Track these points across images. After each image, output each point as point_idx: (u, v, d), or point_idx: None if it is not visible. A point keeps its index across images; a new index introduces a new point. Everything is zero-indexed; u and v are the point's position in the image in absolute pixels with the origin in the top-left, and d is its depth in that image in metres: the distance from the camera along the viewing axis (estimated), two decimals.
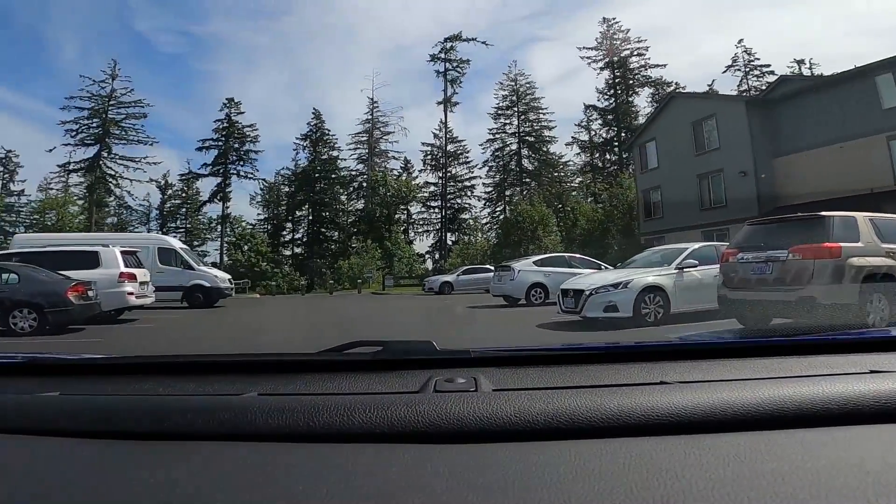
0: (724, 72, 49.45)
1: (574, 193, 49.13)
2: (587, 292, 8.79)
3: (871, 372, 0.92)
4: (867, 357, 1.06)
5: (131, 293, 11.32)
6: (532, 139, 50.91)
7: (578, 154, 52.10)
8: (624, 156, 49.31)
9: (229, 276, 19.51)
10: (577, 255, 16.37)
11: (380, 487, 0.61)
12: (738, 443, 0.69)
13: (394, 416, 0.76)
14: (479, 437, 0.73)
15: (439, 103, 50.04)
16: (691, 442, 0.69)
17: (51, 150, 44.15)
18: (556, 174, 50.89)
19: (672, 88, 47.13)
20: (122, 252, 11.96)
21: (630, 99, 50.50)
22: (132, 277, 11.47)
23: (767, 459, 0.64)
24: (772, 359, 1.09)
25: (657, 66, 49.66)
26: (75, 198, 44.77)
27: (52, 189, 45.52)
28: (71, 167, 45.07)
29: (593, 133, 51.61)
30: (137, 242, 16.84)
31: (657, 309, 8.58)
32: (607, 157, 51.81)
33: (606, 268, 14.19)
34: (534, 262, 15.16)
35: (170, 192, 49.81)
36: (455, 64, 50.00)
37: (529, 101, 51.40)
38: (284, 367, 1.15)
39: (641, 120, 47.62)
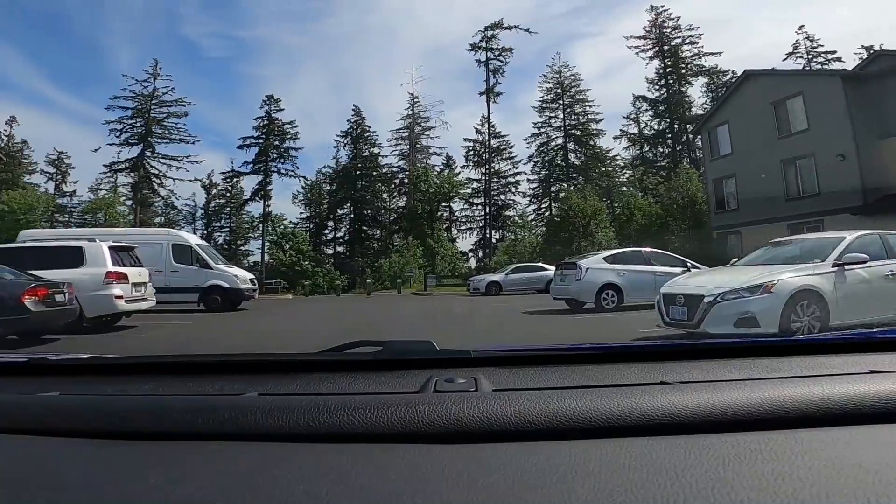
0: (785, 59, 45.06)
1: (624, 189, 45.78)
2: (708, 298, 6.29)
3: (871, 372, 0.91)
4: (867, 357, 1.05)
5: (120, 296, 9.41)
6: (578, 133, 47.90)
7: (627, 148, 48.89)
8: (678, 147, 45.89)
9: (252, 276, 17.20)
10: (655, 250, 13.54)
11: (380, 487, 0.60)
12: (738, 443, 0.68)
13: (394, 416, 0.76)
14: (479, 437, 0.73)
15: (481, 94, 47.75)
16: (691, 442, 0.69)
17: (96, 150, 43.76)
18: (603, 169, 47.68)
19: (728, 77, 43.64)
20: (113, 248, 10.11)
21: (682, 89, 46.76)
22: (122, 277, 9.56)
23: (767, 459, 0.63)
24: (772, 359, 1.09)
25: (711, 53, 45.80)
26: (123, 197, 44.46)
27: (101, 189, 44.76)
28: (116, 167, 44.44)
29: (642, 125, 48.40)
30: (149, 238, 15.22)
31: (812, 322, 6.03)
32: (659, 149, 48.15)
33: (695, 266, 11.56)
34: (604, 259, 12.51)
35: (214, 191, 49.17)
36: (497, 52, 47.38)
37: (575, 93, 48.35)
38: (284, 367, 1.15)
39: (696, 111, 44.27)
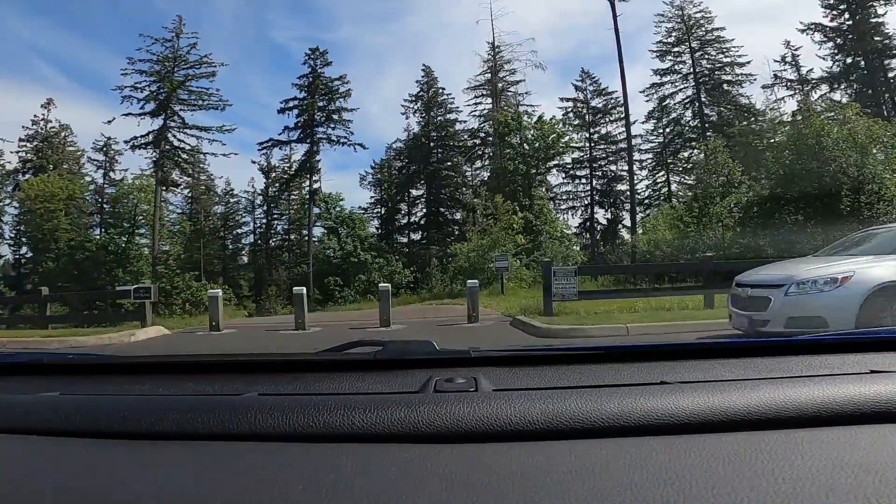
0: None
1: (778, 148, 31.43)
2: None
3: (871, 372, 0.90)
4: (867, 357, 1.04)
5: None
6: (713, 81, 35.35)
7: (781, 100, 35.10)
8: (878, 87, 32.23)
9: None
10: None
11: (380, 487, 0.60)
12: (738, 443, 0.68)
13: (394, 416, 0.76)
14: (479, 437, 0.73)
15: None
16: (691, 442, 0.69)
17: (110, 122, 32.63)
18: (751, 126, 34.44)
19: None
20: None
21: (873, 16, 32.63)
22: None
23: (767, 459, 0.63)
24: (772, 359, 1.08)
25: None
26: (151, 179, 35.74)
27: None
28: (136, 142, 32.07)
29: (803, 70, 34.34)
30: None
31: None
32: (847, 89, 33.22)
33: None
34: None
35: (273, 175, 41.32)
36: None
37: (704, 33, 35.25)
38: (284, 367, 1.14)
39: None
